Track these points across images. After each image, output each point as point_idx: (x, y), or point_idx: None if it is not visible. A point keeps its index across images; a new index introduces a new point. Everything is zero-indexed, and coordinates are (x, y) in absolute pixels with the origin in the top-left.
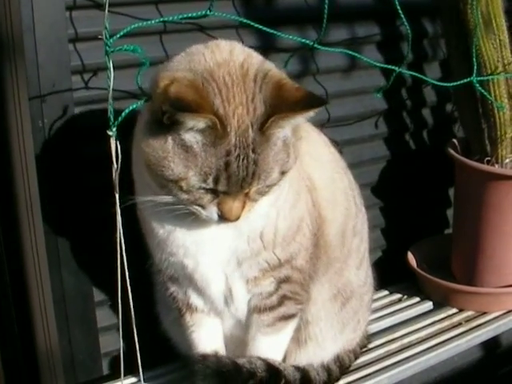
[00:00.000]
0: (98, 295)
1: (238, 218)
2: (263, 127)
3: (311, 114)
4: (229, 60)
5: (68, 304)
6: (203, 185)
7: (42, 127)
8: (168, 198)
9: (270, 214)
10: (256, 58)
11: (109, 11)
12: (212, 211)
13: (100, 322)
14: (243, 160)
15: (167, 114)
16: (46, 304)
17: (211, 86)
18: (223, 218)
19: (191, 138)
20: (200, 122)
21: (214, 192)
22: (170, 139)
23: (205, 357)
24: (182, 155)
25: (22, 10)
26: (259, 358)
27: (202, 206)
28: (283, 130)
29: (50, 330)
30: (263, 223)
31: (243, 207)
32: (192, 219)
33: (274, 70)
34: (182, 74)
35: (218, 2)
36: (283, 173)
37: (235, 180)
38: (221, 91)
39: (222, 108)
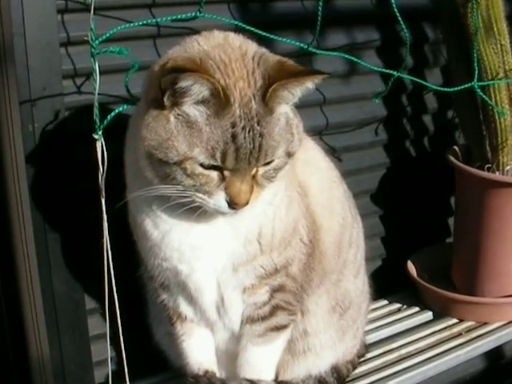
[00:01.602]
0: (90, 303)
1: (246, 203)
2: (265, 98)
3: (311, 84)
4: (224, 44)
5: (59, 312)
6: (211, 161)
7: (32, 132)
8: (172, 189)
9: (267, 212)
10: (252, 43)
11: (101, 15)
12: (220, 198)
13: (91, 330)
14: (249, 132)
15: (168, 91)
16: (37, 312)
17: (209, 63)
18: (232, 202)
19: (195, 111)
20: (204, 86)
21: (221, 173)
22: (172, 118)
23: (196, 379)
24: (187, 132)
25: (13, 12)
26: (251, 382)
27: (209, 193)
28: (284, 106)
29: (40, 339)
30: (261, 223)
31: (251, 191)
32: (196, 216)
33: (270, 53)
34: (177, 54)
35: (215, 5)
36: (289, 154)
37: (243, 154)
38: (219, 67)
39: (222, 80)
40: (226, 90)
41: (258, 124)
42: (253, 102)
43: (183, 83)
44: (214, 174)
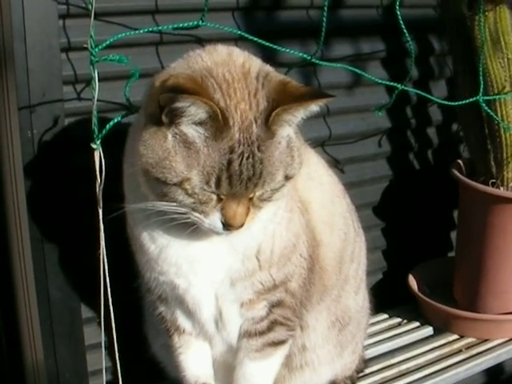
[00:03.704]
0: (87, 312)
1: (242, 225)
2: (268, 122)
3: (315, 107)
4: (228, 60)
5: (54, 320)
6: (205, 187)
7: (31, 138)
8: (168, 206)
9: (266, 230)
10: (256, 60)
11: (104, 20)
12: (215, 218)
13: (88, 339)
14: (248, 158)
15: (166, 109)
16: (33, 319)
17: (210, 82)
18: (227, 224)
19: (193, 131)
20: (200, 109)
21: (218, 195)
22: (170, 137)
23: None
24: (185, 152)
25: (13, 16)
26: None
27: (205, 213)
28: (287, 128)
29: (36, 347)
30: (260, 240)
31: (247, 214)
32: (190, 232)
33: (275, 72)
34: (179, 71)
35: (219, 13)
36: (287, 177)
37: (237, 180)
38: (221, 87)
39: (222, 101)
40: (226, 111)
41: (259, 149)
42: (254, 125)
43: (180, 104)
44: (213, 195)
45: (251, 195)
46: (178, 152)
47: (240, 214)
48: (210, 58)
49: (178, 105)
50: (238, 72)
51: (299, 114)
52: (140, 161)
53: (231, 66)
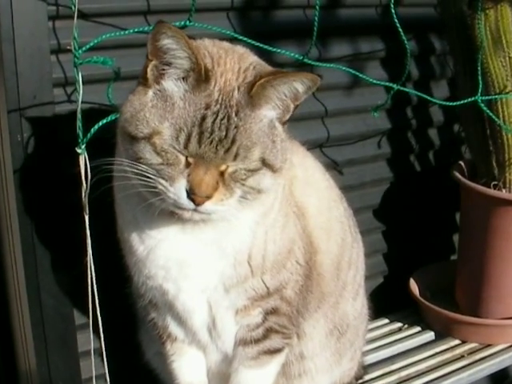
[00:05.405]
0: (79, 318)
1: (207, 197)
2: (251, 91)
3: (300, 85)
4: (228, 48)
5: (47, 327)
6: (174, 144)
7: (20, 141)
8: (138, 167)
9: (256, 233)
10: (255, 56)
11: (94, 21)
12: (181, 186)
13: (81, 346)
14: (223, 119)
15: (152, 62)
16: (25, 327)
17: (203, 51)
18: (191, 192)
19: (174, 86)
20: (185, 52)
21: (186, 158)
22: (150, 93)
23: None
24: (160, 104)
25: (1, 18)
26: None
27: (171, 179)
28: (272, 112)
29: (28, 354)
30: (250, 243)
31: (215, 188)
32: (182, 231)
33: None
34: None
35: (213, 13)
36: (265, 162)
37: (207, 139)
38: (212, 57)
39: (210, 65)
40: (209, 72)
41: (236, 115)
42: (236, 91)
43: (166, 40)
44: (182, 157)
45: (222, 168)
46: (154, 105)
47: (206, 183)
48: (211, 42)
49: (164, 41)
50: (234, 56)
51: (283, 88)
52: (119, 120)
53: (229, 51)
